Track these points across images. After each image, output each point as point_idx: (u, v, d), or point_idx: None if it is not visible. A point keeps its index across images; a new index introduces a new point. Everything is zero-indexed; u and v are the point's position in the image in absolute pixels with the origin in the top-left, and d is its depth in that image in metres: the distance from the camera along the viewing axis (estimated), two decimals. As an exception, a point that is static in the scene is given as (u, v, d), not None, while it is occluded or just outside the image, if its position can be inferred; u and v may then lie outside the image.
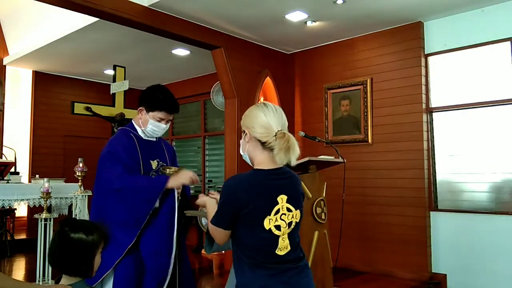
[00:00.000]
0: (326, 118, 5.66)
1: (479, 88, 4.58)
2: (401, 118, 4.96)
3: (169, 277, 2.20)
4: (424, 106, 4.86)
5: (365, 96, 5.26)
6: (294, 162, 1.63)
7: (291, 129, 5.99)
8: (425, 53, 4.92)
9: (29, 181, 6.43)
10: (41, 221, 4.26)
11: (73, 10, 4.28)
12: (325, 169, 3.69)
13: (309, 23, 4.99)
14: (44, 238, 4.25)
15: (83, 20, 5.16)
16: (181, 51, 6.14)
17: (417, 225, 4.76)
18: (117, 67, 5.88)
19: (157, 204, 2.21)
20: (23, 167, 7.02)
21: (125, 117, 5.89)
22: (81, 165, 4.18)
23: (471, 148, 4.60)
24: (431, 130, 4.90)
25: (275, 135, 1.64)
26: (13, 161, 5.57)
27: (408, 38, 4.98)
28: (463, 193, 4.66)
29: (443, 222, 4.73)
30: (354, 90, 5.41)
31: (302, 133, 4.11)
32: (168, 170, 2.34)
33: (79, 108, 5.69)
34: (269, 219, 1.61)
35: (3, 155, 6.38)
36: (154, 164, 2.39)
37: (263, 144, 1.67)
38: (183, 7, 4.56)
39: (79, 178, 4.15)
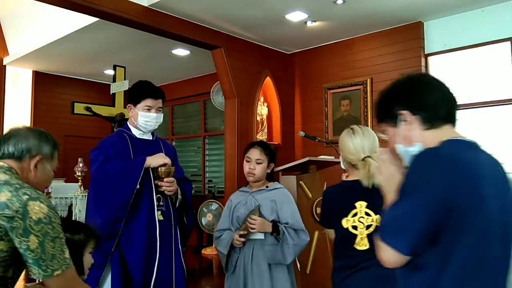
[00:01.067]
0: (326, 118, 5.66)
1: (479, 88, 4.58)
2: (401, 118, 4.95)
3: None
4: (424, 106, 4.85)
5: (365, 96, 5.26)
6: (377, 183, 1.52)
7: (291, 129, 5.99)
8: (425, 53, 4.92)
9: (29, 181, 6.43)
10: (41, 221, 4.26)
11: (73, 10, 4.29)
12: (325, 169, 3.68)
13: (309, 23, 4.99)
14: (44, 238, 4.25)
15: (83, 20, 5.15)
16: (181, 51, 6.14)
17: (417, 225, 4.75)
18: (117, 67, 5.88)
19: (137, 186, 2.24)
20: (23, 167, 7.02)
21: (125, 117, 5.89)
22: (81, 165, 4.20)
23: (471, 148, 4.60)
24: (431, 130, 4.89)
25: (362, 160, 1.92)
26: (13, 161, 5.56)
27: (408, 38, 4.98)
28: (463, 193, 4.66)
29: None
30: (354, 90, 5.41)
31: (302, 133, 4.11)
32: (160, 168, 2.32)
33: (79, 108, 5.69)
34: (346, 220, 1.96)
35: (3, 155, 6.38)
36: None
37: (353, 165, 1.99)
38: (183, 7, 4.56)
39: (79, 178, 4.16)
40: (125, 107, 5.95)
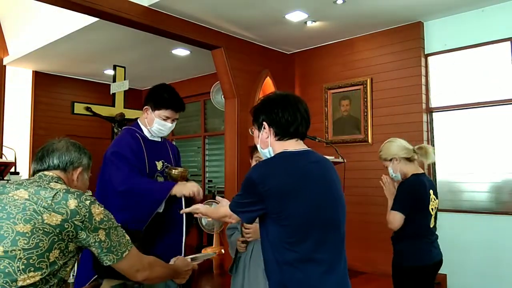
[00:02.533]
0: (326, 118, 5.66)
1: (479, 88, 4.58)
2: (401, 118, 4.96)
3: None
4: (424, 106, 4.86)
5: (365, 96, 5.26)
6: (433, 160, 2.79)
7: (291, 129, 5.98)
8: (425, 53, 4.92)
9: (29, 181, 6.42)
10: (41, 221, 4.26)
11: (73, 10, 4.28)
12: (325, 169, 3.69)
13: (309, 23, 4.99)
14: (44, 238, 4.24)
15: (83, 20, 5.15)
16: (181, 51, 6.14)
17: (417, 225, 4.76)
18: (117, 67, 5.88)
19: (160, 209, 2.20)
20: (23, 167, 7.01)
21: (125, 117, 5.89)
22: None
23: (471, 148, 4.60)
24: (431, 130, 4.89)
25: (414, 151, 2.75)
26: (13, 161, 5.56)
27: (408, 38, 4.98)
28: (463, 193, 4.66)
29: (443, 222, 4.71)
30: (354, 90, 5.41)
31: (302, 133, 4.12)
32: (173, 170, 2.33)
33: (79, 108, 5.69)
34: (430, 205, 2.71)
35: (3, 155, 6.38)
36: (159, 165, 2.38)
37: (409, 159, 2.73)
38: (183, 7, 4.56)
39: (79, 178, 4.15)
40: (125, 107, 5.96)
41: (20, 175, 5.47)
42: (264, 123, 1.64)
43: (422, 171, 2.76)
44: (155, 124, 2.35)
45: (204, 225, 6.11)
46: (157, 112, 2.34)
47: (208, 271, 5.44)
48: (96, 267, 1.70)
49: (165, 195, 2.19)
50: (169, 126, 2.38)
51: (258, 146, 1.72)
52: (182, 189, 2.24)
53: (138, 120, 2.45)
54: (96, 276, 1.89)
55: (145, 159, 2.31)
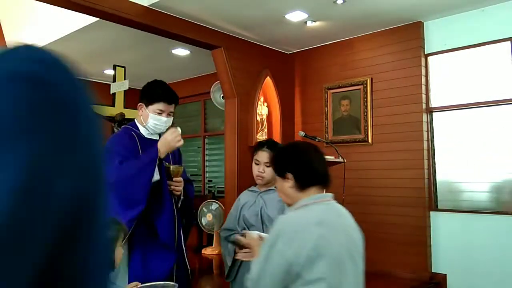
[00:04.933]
0: (326, 118, 5.66)
1: (479, 88, 4.58)
2: (401, 118, 4.96)
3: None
4: (424, 106, 4.86)
5: (365, 96, 5.26)
6: None
7: (291, 129, 5.99)
8: (425, 53, 4.92)
9: (29, 181, 6.42)
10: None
11: (73, 10, 4.28)
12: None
13: (309, 23, 4.99)
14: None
15: (83, 20, 5.15)
16: (181, 51, 6.14)
17: (417, 225, 4.76)
18: (117, 67, 5.88)
19: (157, 177, 2.20)
20: (23, 167, 7.01)
21: (125, 117, 5.89)
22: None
23: (471, 148, 4.60)
24: (431, 130, 4.90)
25: None
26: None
27: (408, 38, 4.98)
28: (463, 193, 4.67)
29: (443, 222, 4.73)
30: (354, 90, 5.41)
31: (302, 133, 4.11)
32: (171, 167, 2.33)
33: (79, 108, 5.68)
34: None
35: (3, 155, 6.37)
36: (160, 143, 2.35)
37: None
38: (183, 7, 4.56)
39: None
40: (125, 107, 5.96)
41: (20, 175, 5.46)
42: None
43: None
44: (150, 120, 2.34)
45: (204, 225, 6.11)
46: (150, 107, 2.33)
47: (208, 272, 5.44)
48: None
49: (154, 162, 2.18)
50: (164, 120, 2.35)
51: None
52: (166, 145, 2.23)
53: (135, 119, 2.45)
54: None
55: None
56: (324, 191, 1.73)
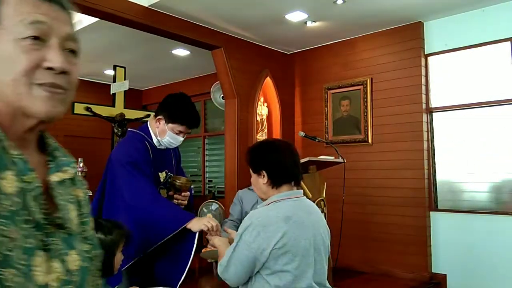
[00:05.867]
0: (326, 118, 5.66)
1: (479, 88, 4.58)
2: (401, 118, 4.96)
3: None
4: (424, 106, 4.86)
5: (365, 96, 5.26)
6: None
7: (291, 129, 5.99)
8: (425, 53, 4.92)
9: (29, 181, 6.42)
10: (41, 221, 4.25)
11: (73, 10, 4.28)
12: (325, 169, 3.69)
13: (309, 23, 4.99)
14: (44, 238, 4.24)
15: (83, 20, 5.15)
16: (181, 51, 6.14)
17: (417, 225, 4.76)
18: (117, 67, 5.88)
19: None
20: (23, 167, 7.01)
21: (125, 117, 5.89)
22: (81, 165, 4.19)
23: (471, 148, 4.60)
24: (431, 130, 4.89)
25: None
26: (13, 161, 5.56)
27: (408, 38, 4.98)
28: (463, 193, 4.66)
29: (443, 222, 4.72)
30: (354, 90, 5.41)
31: (302, 133, 4.11)
32: (177, 181, 2.28)
33: (79, 108, 5.69)
34: None
35: (3, 155, 6.37)
36: (162, 176, 2.30)
37: None
38: (183, 7, 4.55)
39: (79, 178, 4.14)
40: (125, 107, 5.96)
41: (20, 175, 5.46)
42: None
43: None
44: (167, 137, 2.25)
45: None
46: (170, 125, 2.23)
47: (208, 271, 5.43)
48: None
49: (179, 227, 2.05)
50: (180, 140, 2.30)
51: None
52: (199, 224, 2.08)
53: (149, 126, 2.31)
54: None
55: (151, 166, 2.23)
56: (295, 188, 1.86)
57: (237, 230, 1.99)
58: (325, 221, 1.91)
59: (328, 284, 1.84)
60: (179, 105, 2.26)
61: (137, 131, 2.33)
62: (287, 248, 1.66)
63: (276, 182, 1.81)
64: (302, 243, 1.69)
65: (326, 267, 1.83)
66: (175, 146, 2.34)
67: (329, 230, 1.91)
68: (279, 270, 1.67)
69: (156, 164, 2.26)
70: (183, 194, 2.27)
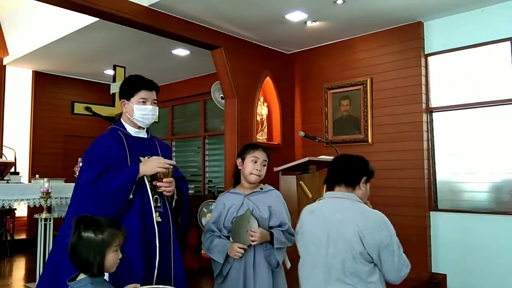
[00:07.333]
0: (326, 118, 5.66)
1: (479, 88, 4.58)
2: (401, 118, 4.96)
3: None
4: (424, 106, 4.86)
5: (365, 96, 5.26)
6: None
7: (291, 129, 5.99)
8: (425, 53, 4.92)
9: (29, 181, 6.43)
10: (41, 221, 4.26)
11: (73, 10, 4.28)
12: (325, 169, 3.68)
13: (309, 23, 4.99)
14: (44, 238, 4.25)
15: (83, 20, 5.15)
16: (181, 51, 6.14)
17: (417, 225, 4.76)
18: (117, 67, 5.87)
19: (130, 196, 2.13)
20: (23, 167, 7.02)
21: (125, 117, 5.87)
22: (81, 165, 4.18)
23: (471, 148, 4.60)
24: (431, 130, 4.90)
25: None
26: (13, 161, 5.56)
27: (408, 38, 4.98)
28: (463, 193, 4.67)
29: (443, 222, 4.72)
30: (354, 90, 5.41)
31: (302, 133, 4.11)
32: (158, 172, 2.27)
33: (79, 108, 5.68)
34: None
35: (3, 155, 6.38)
36: (144, 160, 2.26)
37: None
38: (183, 7, 4.56)
39: (79, 178, 4.14)
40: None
41: (20, 175, 5.47)
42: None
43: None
44: (136, 111, 2.27)
45: (204, 225, 6.10)
46: (132, 99, 2.28)
47: (208, 271, 5.43)
48: (71, 259, 1.71)
49: (134, 180, 2.12)
50: (150, 108, 2.28)
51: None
52: (152, 167, 2.17)
53: (121, 119, 2.38)
54: None
55: (128, 155, 2.22)
56: (344, 190, 2.30)
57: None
58: (365, 222, 2.14)
59: (344, 278, 1.94)
60: (128, 79, 2.36)
61: (113, 126, 2.39)
62: (303, 233, 2.10)
63: (329, 184, 2.24)
64: (317, 233, 2.02)
65: (348, 264, 1.95)
66: (150, 117, 2.31)
67: (368, 230, 2.13)
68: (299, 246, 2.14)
69: (135, 150, 2.26)
70: (164, 179, 2.22)
